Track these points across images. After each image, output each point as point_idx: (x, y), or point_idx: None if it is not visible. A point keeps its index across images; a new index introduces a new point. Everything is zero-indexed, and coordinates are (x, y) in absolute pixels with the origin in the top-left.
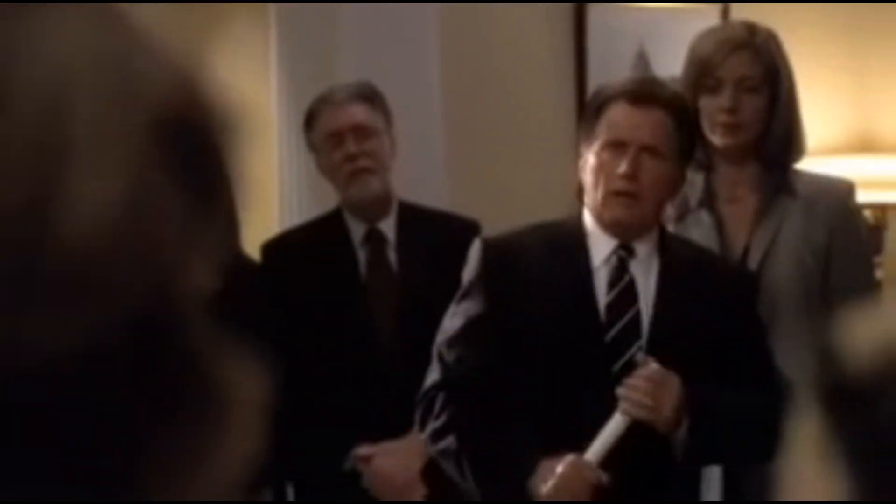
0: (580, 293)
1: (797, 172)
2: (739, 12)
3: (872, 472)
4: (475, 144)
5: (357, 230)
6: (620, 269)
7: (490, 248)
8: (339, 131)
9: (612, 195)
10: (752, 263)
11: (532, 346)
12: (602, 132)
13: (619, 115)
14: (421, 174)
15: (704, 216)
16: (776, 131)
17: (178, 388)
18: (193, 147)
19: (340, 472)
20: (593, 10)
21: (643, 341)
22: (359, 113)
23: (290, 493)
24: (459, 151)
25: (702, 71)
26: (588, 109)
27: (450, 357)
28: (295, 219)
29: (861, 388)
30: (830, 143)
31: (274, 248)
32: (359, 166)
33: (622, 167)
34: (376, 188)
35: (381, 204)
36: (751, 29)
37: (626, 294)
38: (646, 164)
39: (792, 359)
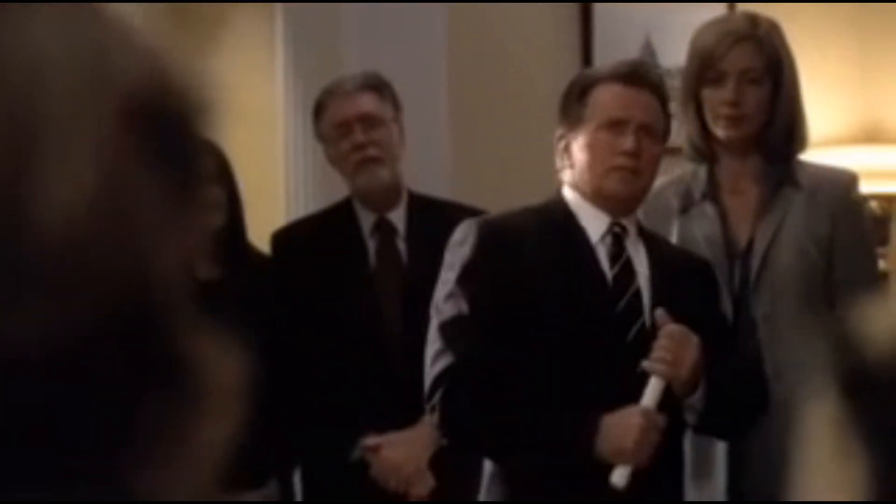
0: (587, 267)
1: (801, 163)
2: (745, 3)
3: (888, 453)
4: (481, 137)
5: (366, 220)
6: (618, 246)
7: (485, 228)
8: (347, 121)
9: (615, 171)
10: (756, 255)
11: (544, 320)
12: (595, 113)
13: (612, 96)
14: (427, 167)
15: (708, 208)
16: (779, 123)
17: (156, 372)
18: (168, 133)
19: (348, 463)
20: (599, 5)
21: (645, 317)
22: (367, 102)
23: (297, 484)
24: (465, 144)
25: (704, 63)
26: (571, 91)
27: (461, 340)
28: (301, 211)
29: (880, 374)
30: (836, 134)
31: (283, 237)
32: (367, 155)
33: (626, 144)
34: (385, 177)
35: (390, 194)
36: (753, 20)
37: (626, 269)
38: (644, 142)
39: (796, 349)
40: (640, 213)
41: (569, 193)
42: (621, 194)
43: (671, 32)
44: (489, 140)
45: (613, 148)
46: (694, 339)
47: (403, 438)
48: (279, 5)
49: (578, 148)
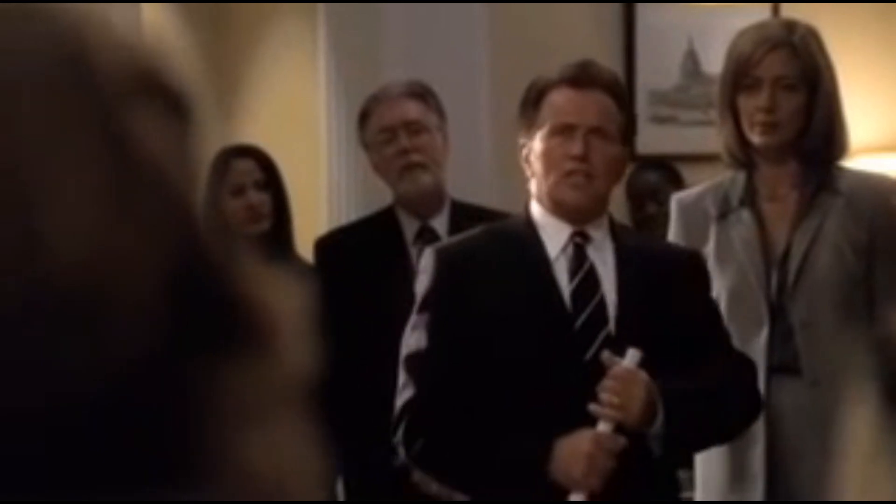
0: (542, 285)
1: (840, 169)
2: (788, 10)
3: None
4: None
5: (409, 227)
6: (579, 257)
7: (443, 256)
8: (392, 126)
9: (566, 177)
10: (794, 260)
11: (501, 345)
12: (547, 118)
13: (562, 100)
14: (468, 173)
15: (745, 214)
16: (816, 128)
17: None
18: (157, 132)
19: (391, 467)
20: (642, 9)
21: (611, 326)
22: (411, 109)
23: (340, 489)
24: (507, 150)
25: (740, 70)
26: (527, 99)
27: (421, 373)
28: (343, 218)
29: None
30: (873, 142)
31: (327, 243)
32: (411, 161)
33: (574, 149)
34: (428, 183)
35: (433, 200)
36: (789, 27)
37: (588, 280)
38: (595, 145)
39: (835, 355)
40: (678, 219)
41: (534, 206)
42: (574, 201)
43: (714, 39)
44: None
45: (563, 154)
46: (642, 377)
47: None
48: (322, 12)
49: (535, 157)
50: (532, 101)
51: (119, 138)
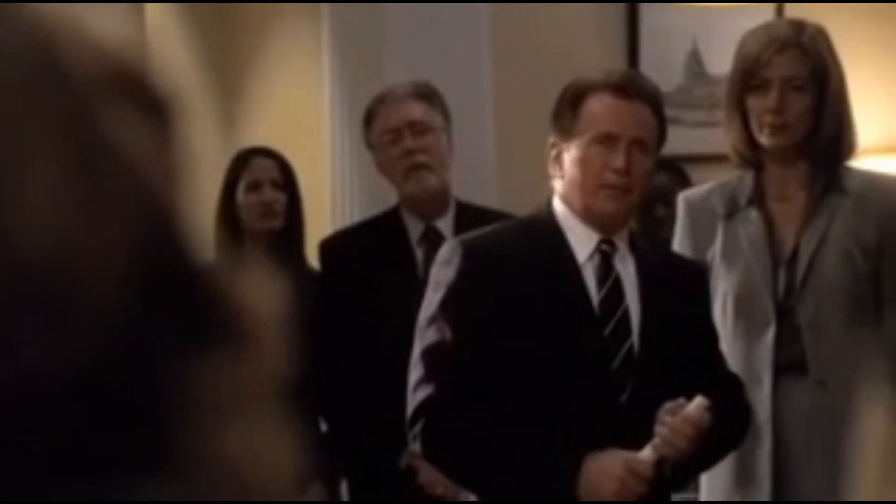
0: (573, 291)
1: (848, 169)
2: (793, 10)
3: None
4: (526, 144)
5: (414, 228)
6: (606, 265)
7: (470, 250)
8: (397, 127)
9: (605, 188)
10: (802, 261)
11: (528, 345)
12: (587, 125)
13: (605, 108)
14: (472, 175)
15: (753, 214)
16: (825, 129)
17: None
18: (129, 130)
19: (396, 470)
20: (646, 10)
21: (634, 338)
22: (416, 110)
23: (344, 490)
24: (511, 151)
25: (748, 71)
26: (563, 100)
27: (442, 370)
28: (347, 219)
29: None
30: (880, 142)
31: (331, 244)
32: (416, 161)
33: (617, 161)
34: (433, 183)
35: (438, 201)
36: (798, 27)
37: (614, 290)
38: (636, 159)
39: (842, 356)
40: (685, 217)
41: (558, 206)
42: (610, 212)
43: (717, 40)
44: (535, 148)
45: (605, 164)
46: (707, 426)
47: None
48: (326, 12)
49: (570, 161)
50: (568, 103)
51: (88, 136)
